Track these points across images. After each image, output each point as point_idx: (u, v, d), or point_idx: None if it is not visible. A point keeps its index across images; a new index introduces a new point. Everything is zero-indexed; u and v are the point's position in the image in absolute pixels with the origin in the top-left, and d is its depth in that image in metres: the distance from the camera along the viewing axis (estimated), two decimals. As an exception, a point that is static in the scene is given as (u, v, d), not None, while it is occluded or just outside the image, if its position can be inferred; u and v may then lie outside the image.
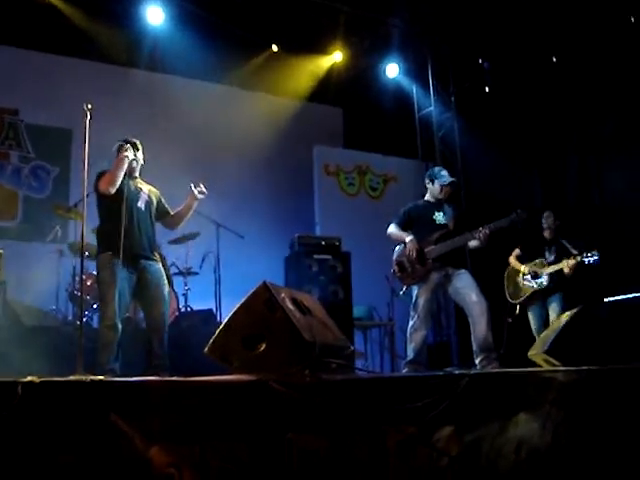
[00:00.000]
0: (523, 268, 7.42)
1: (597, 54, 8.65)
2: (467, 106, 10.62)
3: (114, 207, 5.25)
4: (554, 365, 4.71)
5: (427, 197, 6.38)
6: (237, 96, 10.19)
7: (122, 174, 5.28)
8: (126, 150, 5.33)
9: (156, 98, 9.07)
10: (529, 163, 10.29)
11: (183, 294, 7.93)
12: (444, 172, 6.39)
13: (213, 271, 8.11)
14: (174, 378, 2.83)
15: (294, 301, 3.44)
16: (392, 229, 6.32)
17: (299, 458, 2.82)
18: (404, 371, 5.91)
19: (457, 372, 3.46)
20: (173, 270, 7.88)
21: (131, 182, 5.46)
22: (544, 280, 7.26)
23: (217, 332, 3.30)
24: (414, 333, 5.97)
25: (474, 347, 5.85)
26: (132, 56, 9.29)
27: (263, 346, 3.21)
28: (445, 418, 3.22)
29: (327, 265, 8.23)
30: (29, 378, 2.48)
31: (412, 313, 6.02)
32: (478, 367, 5.70)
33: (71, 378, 2.75)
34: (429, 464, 3.17)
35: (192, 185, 5.68)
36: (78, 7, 8.42)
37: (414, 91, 11.28)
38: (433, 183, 6.30)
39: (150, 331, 5.43)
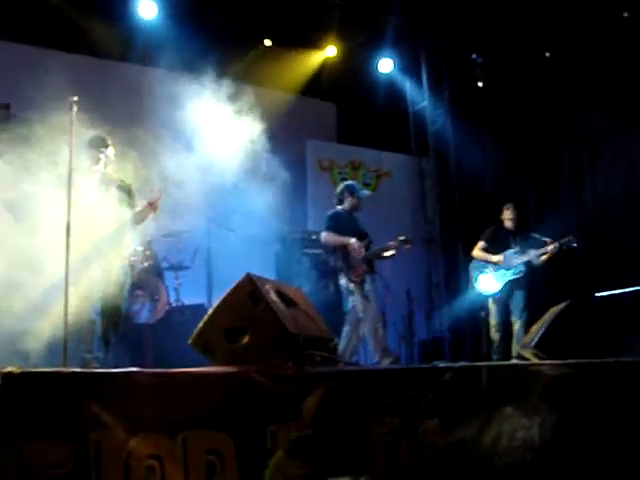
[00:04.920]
0: (497, 259, 7.31)
1: (590, 49, 8.64)
2: (461, 101, 10.62)
3: None
4: (542, 359, 4.71)
5: (345, 207, 6.94)
6: (229, 90, 10.14)
7: None
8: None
9: (147, 92, 9.02)
10: (522, 157, 10.29)
11: (174, 288, 7.89)
12: (359, 186, 7.26)
13: (204, 265, 8.08)
14: (157, 370, 2.81)
15: (279, 293, 3.43)
16: (329, 235, 6.76)
17: (281, 449, 2.81)
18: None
19: (442, 365, 3.46)
20: (164, 265, 7.87)
21: (101, 178, 5.41)
22: (521, 268, 7.22)
23: (201, 324, 3.29)
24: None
25: (372, 346, 6.46)
26: (124, 50, 9.24)
27: (246, 338, 3.20)
28: (430, 411, 3.22)
29: (318, 259, 8.22)
30: (9, 369, 2.47)
31: (363, 314, 6.48)
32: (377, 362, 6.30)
33: (51, 369, 2.74)
34: (414, 456, 3.17)
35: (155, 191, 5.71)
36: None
37: (407, 86, 11.25)
38: (353, 196, 6.92)
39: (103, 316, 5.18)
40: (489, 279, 7.35)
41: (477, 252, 7.52)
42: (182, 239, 7.96)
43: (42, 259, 5.20)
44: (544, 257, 7.17)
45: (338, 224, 6.79)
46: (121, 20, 8.91)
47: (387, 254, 6.75)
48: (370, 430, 3.01)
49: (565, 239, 7.07)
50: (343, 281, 6.61)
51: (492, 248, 7.44)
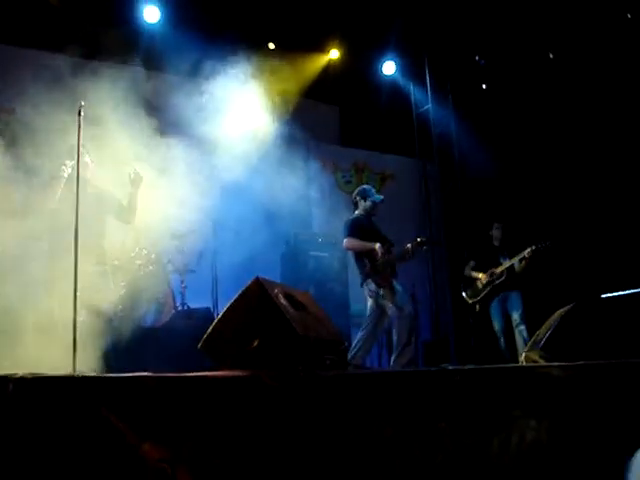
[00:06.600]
0: (482, 275, 7.89)
1: (593, 50, 8.65)
2: (464, 103, 10.63)
3: None
4: (550, 361, 4.70)
5: (361, 212, 6.99)
6: (233, 94, 10.15)
7: None
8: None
9: (151, 96, 9.03)
10: (525, 160, 10.28)
11: (180, 292, 7.90)
12: (373, 190, 7.19)
13: (210, 268, 8.08)
14: (165, 374, 2.81)
15: (288, 297, 3.43)
16: (352, 241, 6.79)
17: (293, 453, 2.81)
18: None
19: (450, 368, 3.46)
20: (169, 268, 7.86)
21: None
22: (503, 275, 7.74)
23: (211, 328, 3.29)
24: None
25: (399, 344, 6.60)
26: (127, 54, 9.24)
27: (256, 342, 3.20)
28: (439, 414, 3.21)
29: (324, 262, 8.23)
30: (20, 374, 2.47)
31: (398, 312, 6.51)
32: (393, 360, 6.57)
33: (62, 374, 2.74)
34: (424, 460, 3.16)
35: (129, 174, 5.78)
36: (73, 5, 8.41)
37: (411, 89, 11.27)
38: (365, 200, 6.98)
39: None
40: (474, 289, 7.97)
41: (467, 270, 8.12)
42: (187, 242, 7.96)
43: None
44: (523, 262, 7.60)
45: (359, 229, 6.82)
46: (125, 24, 8.93)
47: (406, 257, 6.80)
48: (381, 432, 3.02)
49: (540, 243, 7.49)
50: (372, 286, 6.63)
51: (482, 265, 8.01)
